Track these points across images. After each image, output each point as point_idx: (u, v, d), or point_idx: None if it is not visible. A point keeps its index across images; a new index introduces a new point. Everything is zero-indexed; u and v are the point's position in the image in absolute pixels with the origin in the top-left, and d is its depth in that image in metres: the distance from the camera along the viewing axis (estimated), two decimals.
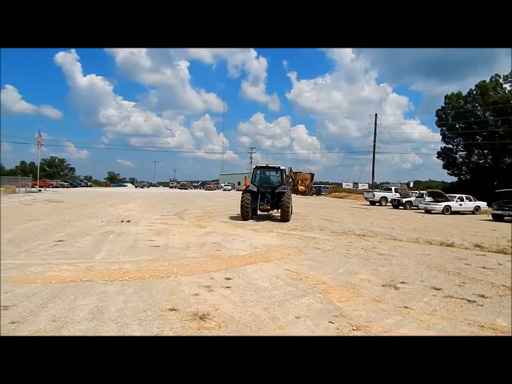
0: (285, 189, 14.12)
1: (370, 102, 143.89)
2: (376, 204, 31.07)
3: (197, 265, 6.29)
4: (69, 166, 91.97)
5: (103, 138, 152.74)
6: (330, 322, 3.89)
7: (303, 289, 5.07)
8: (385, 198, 31.03)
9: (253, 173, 15.19)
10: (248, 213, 13.76)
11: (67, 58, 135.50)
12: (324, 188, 57.80)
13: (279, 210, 14.23)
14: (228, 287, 5.07)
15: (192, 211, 17.76)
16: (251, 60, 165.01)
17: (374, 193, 32.58)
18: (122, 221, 12.28)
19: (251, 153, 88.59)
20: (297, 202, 30.10)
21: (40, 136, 40.40)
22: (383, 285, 5.43)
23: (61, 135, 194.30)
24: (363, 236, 10.81)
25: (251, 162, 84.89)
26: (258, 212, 14.85)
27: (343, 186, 59.30)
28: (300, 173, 21.67)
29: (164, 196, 37.01)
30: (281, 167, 15.01)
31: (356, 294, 4.94)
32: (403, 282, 5.63)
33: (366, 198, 33.42)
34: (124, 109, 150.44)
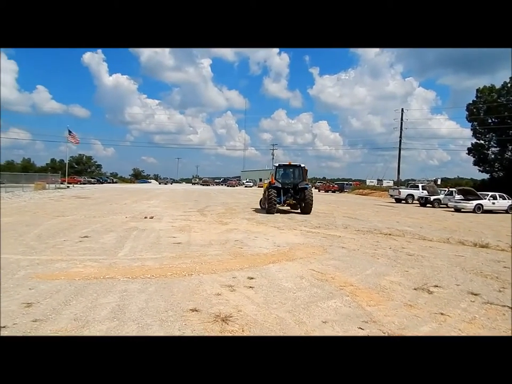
0: (307, 184, 15.83)
1: (396, 97, 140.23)
2: (402, 201, 30.15)
3: (219, 263, 6.21)
4: (96, 163, 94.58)
5: (128, 136, 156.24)
6: (360, 328, 3.67)
7: (329, 291, 4.86)
8: (411, 195, 30.05)
9: (276, 171, 16.02)
10: (275, 207, 15.09)
11: (94, 58, 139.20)
12: (347, 184, 56.60)
13: (298, 205, 15.72)
14: (250, 287, 4.92)
15: (214, 207, 17.78)
16: (273, 56, 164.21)
17: (400, 190, 31.62)
18: (145, 217, 12.41)
19: (273, 149, 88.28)
20: (319, 199, 29.75)
21: (70, 133, 41.58)
22: (415, 289, 5.13)
23: (89, 133, 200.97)
24: (390, 235, 10.42)
25: (273, 159, 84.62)
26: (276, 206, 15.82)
27: (367, 183, 57.92)
28: None
29: (187, 192, 37.41)
30: (302, 165, 16.22)
31: (386, 298, 4.67)
32: (437, 286, 5.30)
33: (391, 196, 32.54)
34: (148, 107, 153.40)
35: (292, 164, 16.43)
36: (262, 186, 19.61)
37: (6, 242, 7.47)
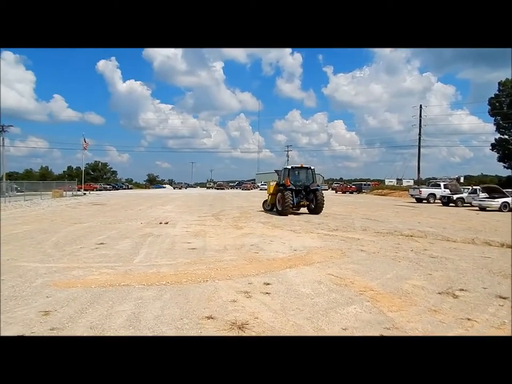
0: (318, 186, 17.07)
1: (413, 93, 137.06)
2: (423, 201, 29.51)
3: (234, 268, 6.19)
4: (111, 170, 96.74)
5: (143, 141, 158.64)
6: (382, 335, 3.56)
7: (348, 297, 4.76)
8: (433, 194, 29.37)
9: (288, 173, 16.44)
10: (291, 208, 15.72)
11: (107, 66, 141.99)
12: (365, 185, 55.84)
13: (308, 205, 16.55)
14: (267, 293, 4.88)
15: (229, 212, 17.83)
16: (285, 57, 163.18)
17: (421, 189, 30.96)
18: (160, 223, 12.55)
19: (287, 151, 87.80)
20: (336, 201, 29.52)
21: (85, 140, 42.78)
22: (439, 293, 4.97)
23: (104, 140, 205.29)
24: (411, 236, 10.19)
25: (287, 160, 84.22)
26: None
27: (386, 183, 56.93)
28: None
29: (201, 196, 37.70)
30: (312, 167, 17.16)
31: (408, 303, 4.54)
32: (462, 290, 5.12)
33: (411, 195, 31.88)
34: (161, 112, 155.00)
35: (303, 166, 17.15)
36: (265, 188, 19.79)
37: (25, 250, 7.68)
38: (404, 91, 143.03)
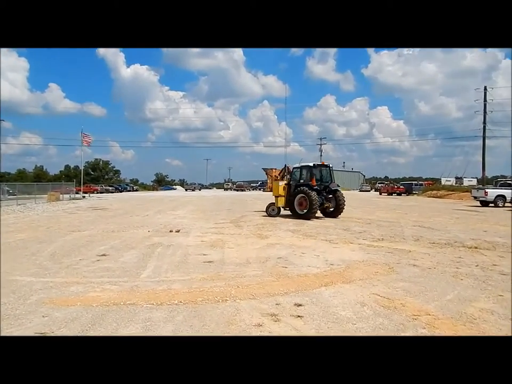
0: (338, 185, 18.15)
1: (475, 73, 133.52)
2: (490, 204, 28.59)
3: (259, 286, 6.20)
4: (114, 169, 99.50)
5: (150, 135, 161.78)
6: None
7: (399, 322, 4.65)
8: (502, 196, 28.42)
9: (311, 171, 17.51)
10: (317, 211, 16.85)
11: (109, 49, 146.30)
12: (415, 185, 54.50)
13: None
14: (298, 316, 4.85)
15: (251, 217, 17.90)
16: None
17: (487, 190, 29.99)
18: (171, 231, 12.76)
19: (320, 144, 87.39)
20: (381, 204, 29.10)
21: (85, 134, 43.95)
22: None
23: (105, 135, 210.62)
24: (476, 248, 9.89)
25: (321, 155, 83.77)
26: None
27: (442, 183, 55.48)
28: (274, 169, 21.77)
29: (218, 199, 38.08)
30: (330, 165, 18.63)
31: (475, 331, 4.38)
32: None
33: (475, 197, 30.97)
34: (171, 101, 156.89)
35: (324, 163, 18.67)
36: (271, 189, 19.99)
37: (18, 262, 7.99)
38: (463, 70, 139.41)
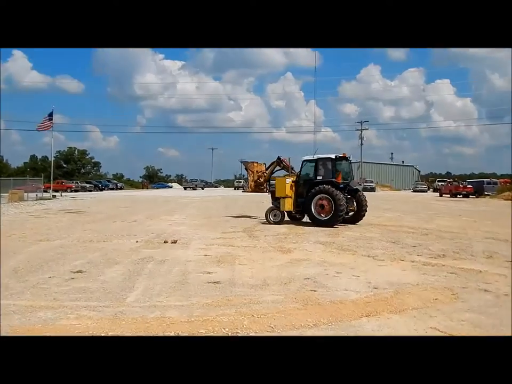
0: (359, 184, 19.88)
1: None
2: None
3: (279, 315, 5.80)
4: (93, 160, 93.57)
5: (139, 118, 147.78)
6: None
7: None
8: None
9: (333, 165, 16.56)
10: (344, 216, 16.26)
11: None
12: (488, 183, 50.38)
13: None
14: None
15: (270, 225, 17.18)
16: None
17: None
18: (165, 242, 12.43)
19: (361, 129, 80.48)
20: (442, 208, 28.64)
21: (50, 115, 39.32)
22: None
23: (82, 117, 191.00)
24: None
25: (361, 143, 79.26)
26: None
27: None
28: (256, 163, 20.95)
29: (226, 201, 37.85)
30: (350, 158, 18.21)
31: None
32: None
33: None
34: (167, 73, 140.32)
35: (346, 156, 17.42)
36: (272, 189, 18.48)
37: None
38: None
